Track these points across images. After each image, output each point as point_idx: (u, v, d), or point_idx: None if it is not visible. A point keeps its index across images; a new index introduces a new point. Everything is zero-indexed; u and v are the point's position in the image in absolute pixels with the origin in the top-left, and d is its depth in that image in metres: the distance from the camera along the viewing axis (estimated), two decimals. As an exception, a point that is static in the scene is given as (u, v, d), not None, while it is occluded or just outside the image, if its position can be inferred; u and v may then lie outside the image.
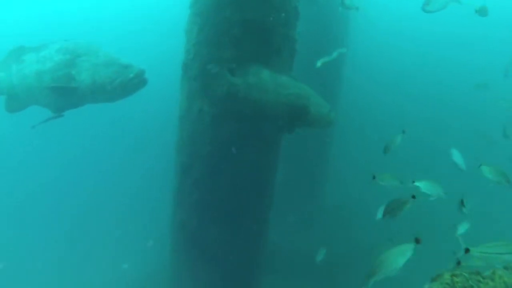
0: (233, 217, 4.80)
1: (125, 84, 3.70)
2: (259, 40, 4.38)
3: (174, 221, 5.20)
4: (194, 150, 4.63)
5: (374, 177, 4.12)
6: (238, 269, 5.02)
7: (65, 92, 3.70)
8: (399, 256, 2.70)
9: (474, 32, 14.71)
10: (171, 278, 5.55)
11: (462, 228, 4.89)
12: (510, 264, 2.21)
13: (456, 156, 4.61)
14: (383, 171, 4.25)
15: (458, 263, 2.17)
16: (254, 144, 4.58)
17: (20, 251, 9.52)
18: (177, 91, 4.81)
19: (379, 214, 5.18)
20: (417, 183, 3.94)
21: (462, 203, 4.28)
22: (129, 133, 12.34)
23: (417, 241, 2.80)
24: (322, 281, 7.96)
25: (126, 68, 3.75)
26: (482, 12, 4.70)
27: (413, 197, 3.63)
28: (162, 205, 6.04)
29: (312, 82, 5.41)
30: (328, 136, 8.26)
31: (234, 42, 4.33)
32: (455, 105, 12.57)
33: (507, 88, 8.89)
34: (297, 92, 4.22)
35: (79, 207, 10.89)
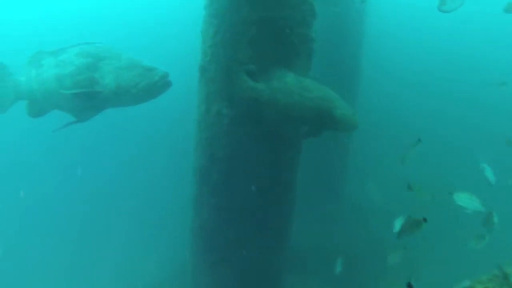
0: (253, 220, 4.76)
1: (150, 87, 3.65)
2: (277, 40, 4.33)
3: (193, 223, 5.17)
4: (212, 152, 4.60)
5: (409, 187, 4.08)
6: (258, 273, 4.99)
7: (88, 96, 3.62)
8: None
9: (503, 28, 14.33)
10: (191, 281, 5.53)
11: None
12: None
13: (488, 171, 4.57)
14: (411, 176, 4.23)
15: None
16: (274, 146, 4.53)
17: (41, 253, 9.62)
18: (193, 92, 4.81)
19: (396, 228, 5.22)
20: (454, 196, 3.88)
21: (490, 217, 4.22)
22: (147, 133, 12.30)
23: (409, 286, 2.78)
24: (342, 281, 7.91)
25: (150, 71, 3.70)
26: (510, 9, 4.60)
27: (425, 220, 3.72)
28: (181, 207, 6.01)
29: (329, 79, 5.39)
30: (346, 136, 8.17)
31: (251, 43, 4.28)
32: (481, 103, 12.32)
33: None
34: (321, 95, 4.17)
35: (95, 209, 10.96)
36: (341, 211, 8.92)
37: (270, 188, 4.70)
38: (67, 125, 4.18)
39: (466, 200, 3.95)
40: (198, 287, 5.38)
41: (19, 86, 4.36)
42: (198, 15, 4.88)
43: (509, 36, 14.48)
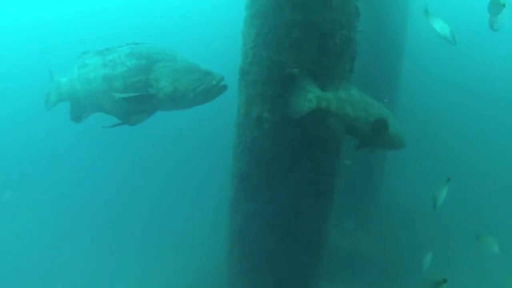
0: (291, 227, 4.65)
1: (207, 91, 3.51)
2: (320, 42, 4.20)
3: (230, 228, 5.09)
4: (252, 157, 4.50)
5: (478, 238, 4.08)
6: (296, 281, 4.88)
7: (141, 100, 3.49)
8: None
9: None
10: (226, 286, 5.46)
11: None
12: None
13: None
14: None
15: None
16: (315, 151, 4.41)
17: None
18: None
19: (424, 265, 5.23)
20: None
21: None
22: (184, 134, 12.27)
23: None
24: (381, 284, 7.74)
25: (208, 75, 3.56)
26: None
27: (445, 280, 3.68)
28: (217, 210, 5.95)
29: (366, 78, 5.26)
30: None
31: (294, 45, 4.17)
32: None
33: None
34: (381, 112, 4.20)
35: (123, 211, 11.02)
36: (379, 212, 8.76)
37: (309, 194, 4.58)
38: (116, 125, 4.05)
39: None
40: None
41: (60, 87, 4.26)
42: (238, 15, 4.82)
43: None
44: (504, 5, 4.02)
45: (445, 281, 3.56)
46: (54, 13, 16.27)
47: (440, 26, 4.83)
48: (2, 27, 14.88)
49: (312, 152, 4.43)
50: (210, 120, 10.66)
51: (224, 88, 3.55)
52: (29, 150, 12.79)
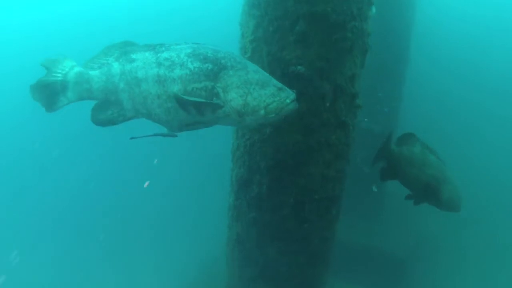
0: (295, 236, 4.29)
1: (280, 110, 2.91)
2: (328, 36, 3.72)
3: (229, 236, 4.74)
4: (252, 163, 4.09)
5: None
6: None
7: (203, 110, 2.94)
8: None
9: None
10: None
11: None
12: None
13: None
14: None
15: None
16: (322, 156, 4.00)
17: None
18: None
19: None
20: None
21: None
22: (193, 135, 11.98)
23: None
24: (388, 277, 7.49)
25: (281, 91, 2.93)
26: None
27: None
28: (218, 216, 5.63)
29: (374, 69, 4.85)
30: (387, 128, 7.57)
31: (299, 39, 3.70)
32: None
33: None
34: (436, 174, 4.52)
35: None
36: (384, 208, 8.44)
37: (314, 203, 4.19)
38: (153, 135, 3.53)
39: None
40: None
41: (89, 81, 3.37)
42: (236, 4, 4.33)
43: None
44: None
45: None
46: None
47: None
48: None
49: (319, 157, 4.02)
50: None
51: (295, 107, 2.94)
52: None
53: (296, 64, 3.71)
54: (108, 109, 3.37)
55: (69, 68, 3.39)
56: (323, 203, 4.23)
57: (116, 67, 3.27)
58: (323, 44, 3.71)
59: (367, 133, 7.21)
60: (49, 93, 3.37)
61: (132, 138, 3.76)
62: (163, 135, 3.52)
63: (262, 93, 2.90)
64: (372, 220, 8.14)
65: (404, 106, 8.41)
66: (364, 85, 4.36)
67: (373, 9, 4.25)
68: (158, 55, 3.13)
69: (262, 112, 2.89)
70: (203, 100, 2.91)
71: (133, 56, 3.23)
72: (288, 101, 2.89)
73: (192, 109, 2.98)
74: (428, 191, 4.53)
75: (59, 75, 3.39)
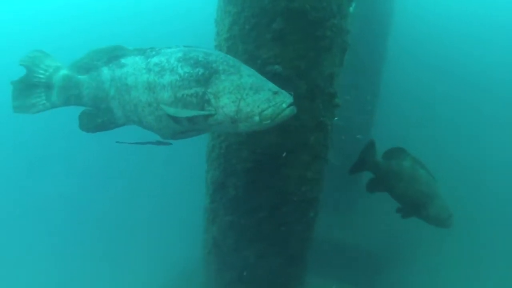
0: (273, 239, 4.18)
1: (276, 116, 2.72)
2: (307, 34, 3.59)
3: (206, 238, 4.60)
4: (228, 165, 3.96)
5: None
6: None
7: (194, 119, 2.76)
8: None
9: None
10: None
11: None
12: None
13: None
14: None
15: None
16: (298, 158, 3.89)
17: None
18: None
19: None
20: None
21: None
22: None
23: None
24: (364, 274, 7.47)
25: (277, 96, 2.74)
26: None
27: None
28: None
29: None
30: (360, 133, 7.53)
31: (276, 37, 3.56)
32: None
33: None
34: (425, 190, 4.61)
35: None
36: (359, 202, 8.42)
37: (292, 205, 4.09)
38: (145, 143, 3.31)
39: None
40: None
41: (78, 86, 3.13)
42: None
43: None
44: None
45: None
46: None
47: None
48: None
49: (296, 159, 3.91)
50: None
51: (292, 112, 2.76)
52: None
53: (273, 63, 3.57)
54: (98, 116, 3.16)
55: (53, 69, 3.13)
56: (301, 205, 4.13)
57: (106, 72, 3.07)
58: (301, 42, 3.58)
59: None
60: (29, 95, 3.12)
61: (118, 142, 3.58)
62: (156, 143, 3.32)
63: (256, 98, 2.72)
64: (347, 214, 8.12)
65: (378, 101, 8.36)
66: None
67: (353, 6, 4.15)
68: (148, 60, 2.97)
69: (257, 118, 2.71)
70: (195, 113, 2.73)
71: (123, 61, 3.05)
72: (284, 105, 2.71)
73: (184, 120, 2.83)
74: (416, 206, 4.62)
75: (42, 76, 3.13)
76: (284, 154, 3.80)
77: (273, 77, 3.56)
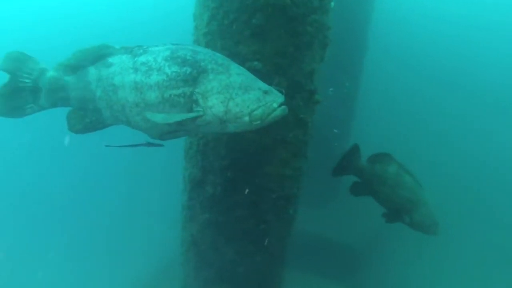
0: (252, 237, 4.14)
1: (266, 116, 2.64)
2: (287, 30, 3.53)
3: (184, 236, 4.54)
4: (206, 163, 3.89)
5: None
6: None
7: (183, 120, 2.68)
8: None
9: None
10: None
11: None
12: None
13: None
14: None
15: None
16: (277, 155, 3.84)
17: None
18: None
19: None
20: None
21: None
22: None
23: None
24: (343, 267, 7.52)
25: (267, 95, 2.65)
26: None
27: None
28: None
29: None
30: (337, 128, 7.54)
31: (256, 33, 3.48)
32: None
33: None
34: (410, 196, 4.59)
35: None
36: (339, 197, 8.45)
37: (271, 203, 4.05)
38: (136, 145, 3.25)
39: None
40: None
41: (64, 88, 3.05)
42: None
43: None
44: None
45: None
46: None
47: None
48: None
49: (275, 156, 3.86)
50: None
51: (284, 112, 2.68)
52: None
53: (253, 60, 3.50)
54: (86, 116, 3.09)
55: (38, 72, 3.03)
56: (280, 202, 4.09)
57: (92, 73, 2.99)
58: (281, 39, 3.52)
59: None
60: (16, 99, 3.01)
61: (107, 146, 3.52)
62: (147, 145, 3.24)
63: (245, 98, 2.65)
64: (326, 209, 8.15)
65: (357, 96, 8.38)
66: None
67: (333, 2, 4.09)
68: (135, 59, 2.88)
69: (246, 118, 2.64)
70: (183, 117, 2.65)
71: (110, 60, 2.96)
72: (275, 105, 2.64)
73: (172, 123, 2.74)
74: (400, 211, 4.60)
75: (28, 80, 3.03)
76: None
77: (253, 74, 3.51)
